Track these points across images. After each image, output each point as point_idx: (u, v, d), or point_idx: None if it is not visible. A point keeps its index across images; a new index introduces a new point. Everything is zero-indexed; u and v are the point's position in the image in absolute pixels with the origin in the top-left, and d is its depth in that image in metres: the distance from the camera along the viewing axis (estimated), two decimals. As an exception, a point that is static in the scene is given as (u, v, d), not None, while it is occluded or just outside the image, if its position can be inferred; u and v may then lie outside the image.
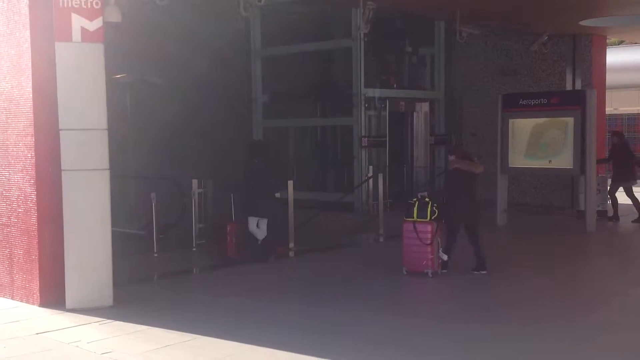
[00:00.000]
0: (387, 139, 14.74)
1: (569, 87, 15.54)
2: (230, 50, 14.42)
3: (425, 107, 15.80)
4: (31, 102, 7.65)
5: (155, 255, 10.51)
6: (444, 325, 7.01)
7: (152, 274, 9.55)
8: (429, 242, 8.78)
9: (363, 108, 13.95)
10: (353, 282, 8.90)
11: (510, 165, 13.12)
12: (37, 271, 7.63)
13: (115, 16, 9.30)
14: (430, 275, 8.89)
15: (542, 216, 11.82)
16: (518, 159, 12.94)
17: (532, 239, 11.88)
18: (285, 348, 6.19)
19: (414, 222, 8.86)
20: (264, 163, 10.07)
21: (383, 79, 15.11)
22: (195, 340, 6.53)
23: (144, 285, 8.82)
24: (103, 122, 7.69)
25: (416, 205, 8.91)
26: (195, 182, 11.15)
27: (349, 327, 6.94)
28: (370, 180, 13.27)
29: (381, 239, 11.83)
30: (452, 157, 9.20)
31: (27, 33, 7.65)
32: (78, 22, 7.55)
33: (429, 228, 8.81)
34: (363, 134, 14.01)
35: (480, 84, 16.55)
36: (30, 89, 7.64)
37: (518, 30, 15.55)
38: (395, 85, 15.29)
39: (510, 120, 13.01)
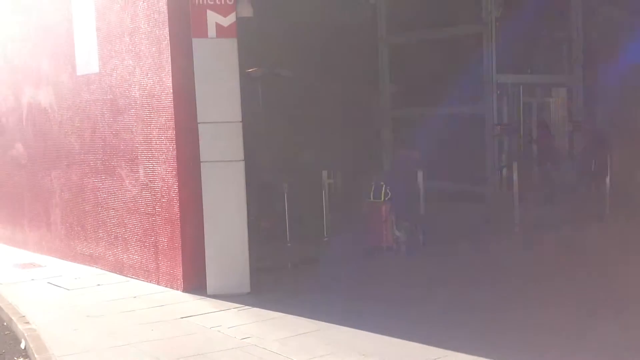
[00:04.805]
0: (521, 126, 14.15)
1: None
2: (357, 39, 14.37)
3: (562, 92, 15.01)
4: (171, 97, 7.99)
5: (288, 244, 10.69)
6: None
7: (286, 263, 9.72)
8: (383, 220, 9.90)
9: (495, 95, 13.45)
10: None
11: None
12: (180, 258, 7.97)
13: (247, 11, 9.49)
14: (385, 249, 9.90)
15: None
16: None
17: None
18: (417, 339, 6.07)
19: (371, 203, 10.06)
20: None
21: (516, 64, 14.48)
22: (329, 329, 6.56)
23: (278, 274, 8.98)
24: (237, 115, 7.90)
25: (372, 188, 10.11)
26: (324, 172, 11.21)
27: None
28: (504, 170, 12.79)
29: (516, 229, 11.37)
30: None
31: (166, 30, 7.99)
32: (213, 18, 7.81)
33: (383, 208, 9.95)
34: (495, 122, 13.52)
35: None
36: (171, 85, 7.99)
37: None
38: (529, 71, 14.61)
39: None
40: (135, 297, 7.97)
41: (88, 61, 9.32)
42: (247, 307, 7.32)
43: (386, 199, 10.08)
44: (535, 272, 8.67)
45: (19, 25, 11.14)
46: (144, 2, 8.25)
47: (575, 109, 15.13)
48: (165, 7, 7.96)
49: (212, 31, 7.81)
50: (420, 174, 10.80)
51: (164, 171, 8.16)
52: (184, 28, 7.88)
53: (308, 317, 6.87)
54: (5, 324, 7.53)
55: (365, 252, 10.10)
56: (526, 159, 14.39)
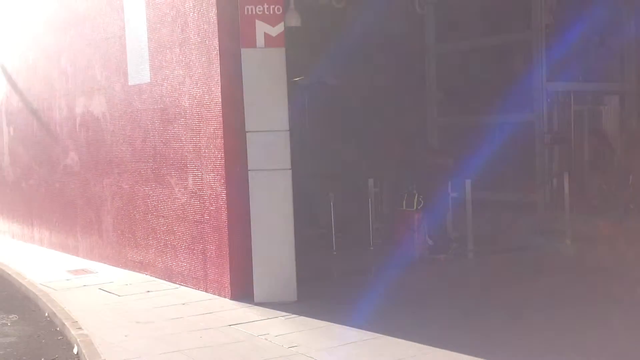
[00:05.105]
0: (572, 135, 13.85)
1: None
2: (405, 47, 14.32)
3: (614, 100, 14.65)
4: (220, 106, 8.08)
5: (334, 253, 10.69)
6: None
7: (332, 272, 9.71)
8: (415, 228, 9.98)
9: (545, 103, 13.22)
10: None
11: None
12: (228, 266, 8.04)
13: (295, 21, 9.61)
14: (417, 258, 9.93)
15: None
16: None
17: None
18: (467, 351, 5.98)
19: (403, 211, 10.17)
20: None
21: (567, 71, 14.20)
22: (376, 339, 6.52)
23: (324, 282, 8.99)
24: (285, 124, 7.95)
25: (405, 197, 10.21)
26: (371, 181, 11.18)
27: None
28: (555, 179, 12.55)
29: (568, 241, 11.11)
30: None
31: (216, 41, 8.10)
32: (261, 28, 7.88)
33: (416, 216, 10.06)
34: (545, 130, 13.29)
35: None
36: (219, 94, 8.09)
37: None
38: (580, 78, 14.31)
39: None
40: (184, 304, 8.07)
41: (140, 71, 9.51)
42: (293, 315, 7.33)
43: (419, 207, 10.12)
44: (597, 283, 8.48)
45: (72, 36, 11.45)
46: (194, 13, 8.39)
47: (628, 117, 14.74)
48: (215, 17, 8.07)
49: (260, 41, 7.89)
50: (468, 183, 10.68)
51: (212, 179, 8.26)
52: (233, 38, 7.97)
53: (355, 327, 6.83)
54: (58, 329, 7.71)
55: (405, 260, 10.05)
56: (577, 168, 14.08)
